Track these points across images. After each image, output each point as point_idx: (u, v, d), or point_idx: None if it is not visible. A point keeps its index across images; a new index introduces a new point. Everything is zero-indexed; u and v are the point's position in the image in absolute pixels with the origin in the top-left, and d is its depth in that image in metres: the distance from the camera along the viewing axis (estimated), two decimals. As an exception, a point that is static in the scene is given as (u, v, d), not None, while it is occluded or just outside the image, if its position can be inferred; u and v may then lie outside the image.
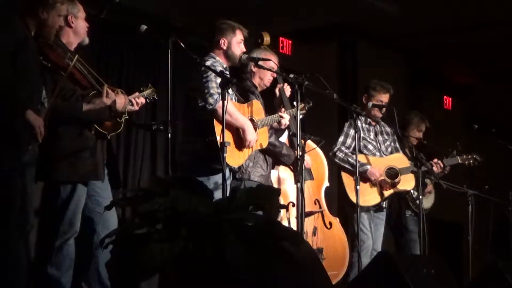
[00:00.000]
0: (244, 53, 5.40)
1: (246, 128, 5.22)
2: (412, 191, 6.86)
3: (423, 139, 7.27)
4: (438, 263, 5.22)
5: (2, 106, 3.88)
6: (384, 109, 6.53)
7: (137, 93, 4.92)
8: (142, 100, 4.91)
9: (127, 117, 4.80)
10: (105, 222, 4.67)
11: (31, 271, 4.38)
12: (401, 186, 6.53)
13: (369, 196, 6.44)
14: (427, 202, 7.15)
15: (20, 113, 3.90)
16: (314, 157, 6.02)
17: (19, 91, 3.91)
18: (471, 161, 7.11)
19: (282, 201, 5.69)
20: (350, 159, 6.34)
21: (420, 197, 6.27)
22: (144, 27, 4.50)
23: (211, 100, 5.02)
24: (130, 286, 3.26)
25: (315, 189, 6.06)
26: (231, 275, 3.11)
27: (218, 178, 4.92)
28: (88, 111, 4.54)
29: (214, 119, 5.00)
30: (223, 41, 5.34)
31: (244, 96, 5.52)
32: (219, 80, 4.95)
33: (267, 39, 5.81)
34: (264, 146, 5.45)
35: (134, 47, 7.43)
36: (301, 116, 5.30)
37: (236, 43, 5.37)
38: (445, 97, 10.99)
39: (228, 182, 5.16)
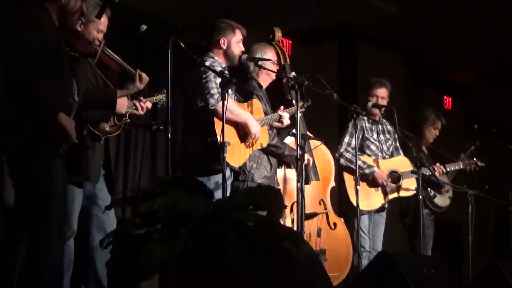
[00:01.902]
0: (243, 52, 5.41)
1: (249, 121, 5.22)
2: (429, 190, 6.87)
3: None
4: (438, 263, 5.22)
5: (37, 108, 3.76)
6: (383, 108, 6.52)
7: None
8: (148, 105, 4.87)
9: (128, 120, 4.79)
10: (100, 224, 4.64)
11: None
12: (403, 192, 6.52)
13: (373, 200, 6.42)
14: (444, 201, 7.13)
15: (52, 116, 3.77)
16: (321, 156, 6.00)
17: (51, 93, 3.78)
18: (472, 166, 7.12)
19: (287, 200, 5.68)
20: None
21: (420, 197, 6.26)
22: (144, 27, 4.49)
23: (212, 101, 5.01)
24: (130, 286, 3.26)
25: (320, 189, 6.01)
26: (231, 275, 3.11)
27: (218, 178, 4.92)
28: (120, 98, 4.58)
29: (215, 118, 5.00)
30: (223, 40, 5.34)
31: (247, 96, 5.52)
32: (218, 80, 4.94)
33: (278, 34, 5.89)
34: (264, 145, 5.44)
35: (134, 47, 7.42)
36: (300, 114, 5.29)
37: (236, 42, 5.37)
38: (445, 97, 10.98)
39: (229, 182, 5.15)
